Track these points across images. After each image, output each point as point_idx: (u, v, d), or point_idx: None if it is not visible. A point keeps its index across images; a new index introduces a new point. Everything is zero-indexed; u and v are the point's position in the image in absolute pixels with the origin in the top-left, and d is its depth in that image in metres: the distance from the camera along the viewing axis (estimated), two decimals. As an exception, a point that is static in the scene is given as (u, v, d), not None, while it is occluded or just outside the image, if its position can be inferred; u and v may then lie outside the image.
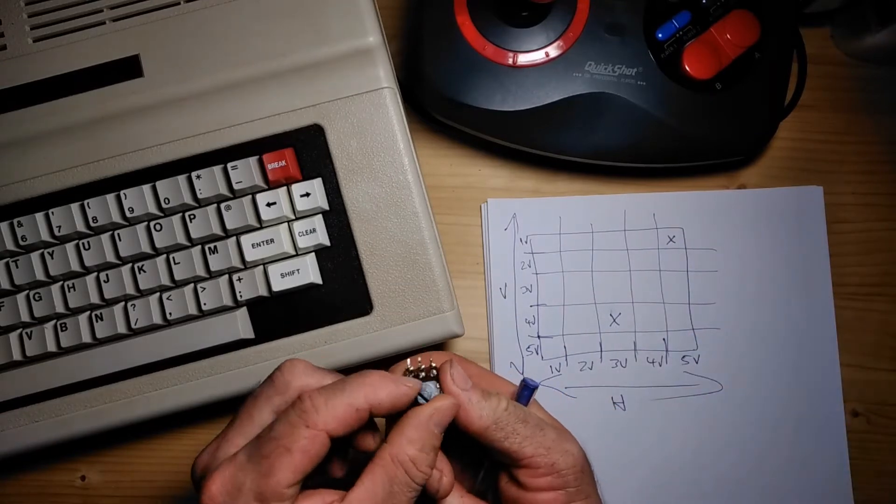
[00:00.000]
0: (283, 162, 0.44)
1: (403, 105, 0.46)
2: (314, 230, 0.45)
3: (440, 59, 0.49)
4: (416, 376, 0.34)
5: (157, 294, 0.45)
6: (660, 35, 0.49)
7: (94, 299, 0.45)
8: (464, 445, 0.35)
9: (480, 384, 0.36)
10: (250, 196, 0.45)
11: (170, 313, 0.44)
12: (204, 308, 0.44)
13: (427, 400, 0.34)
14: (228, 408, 0.52)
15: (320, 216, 0.45)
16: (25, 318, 0.45)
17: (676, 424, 0.51)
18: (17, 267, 0.45)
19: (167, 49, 0.46)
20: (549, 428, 0.34)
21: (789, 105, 0.54)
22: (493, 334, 0.52)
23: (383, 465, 0.31)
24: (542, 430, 0.34)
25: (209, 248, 0.45)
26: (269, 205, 0.45)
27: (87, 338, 0.44)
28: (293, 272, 0.44)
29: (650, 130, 0.49)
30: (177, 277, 0.44)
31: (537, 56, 0.49)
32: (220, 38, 0.45)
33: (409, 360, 0.36)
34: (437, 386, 0.35)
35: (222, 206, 0.45)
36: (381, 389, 0.32)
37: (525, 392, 0.36)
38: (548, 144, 0.51)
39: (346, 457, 0.35)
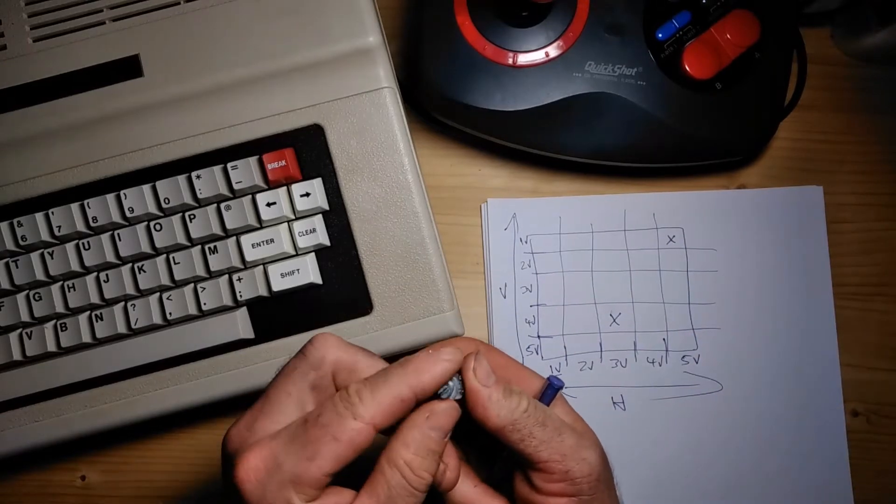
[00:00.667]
0: (283, 162, 0.44)
1: (403, 105, 0.46)
2: (314, 230, 0.45)
3: (440, 59, 0.49)
4: None
5: (157, 294, 0.45)
6: (660, 35, 0.49)
7: (94, 299, 0.45)
8: (483, 434, 0.34)
9: (506, 375, 0.35)
10: (250, 196, 0.45)
11: (170, 313, 0.44)
12: (204, 308, 0.44)
13: (447, 396, 0.33)
14: (229, 408, 0.52)
15: (320, 216, 0.45)
16: (25, 318, 0.45)
17: (676, 424, 0.51)
18: (17, 267, 0.45)
19: (167, 49, 0.46)
20: (569, 433, 0.33)
21: (789, 105, 0.54)
22: (493, 334, 0.52)
23: (381, 470, 0.31)
24: (561, 434, 0.33)
25: (209, 248, 0.45)
26: (269, 205, 0.45)
27: (87, 338, 0.44)
28: (293, 272, 0.44)
29: (650, 130, 0.49)
30: (177, 277, 0.44)
31: (537, 56, 0.49)
32: (220, 38, 0.45)
33: (430, 350, 0.35)
34: (460, 379, 0.34)
35: (222, 206, 0.45)
36: (424, 374, 0.31)
37: (549, 391, 0.35)
38: (547, 144, 0.51)
39: None
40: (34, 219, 0.45)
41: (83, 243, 0.45)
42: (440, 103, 0.50)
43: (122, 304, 0.45)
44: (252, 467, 0.30)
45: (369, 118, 0.45)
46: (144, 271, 0.45)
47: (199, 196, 0.44)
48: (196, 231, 0.45)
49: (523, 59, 0.49)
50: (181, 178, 0.45)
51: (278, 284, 0.44)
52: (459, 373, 0.33)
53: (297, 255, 0.45)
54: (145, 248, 0.45)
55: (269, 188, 0.45)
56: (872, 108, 0.55)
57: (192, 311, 0.44)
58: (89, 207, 0.45)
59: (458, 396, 0.33)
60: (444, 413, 0.32)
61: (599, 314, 0.53)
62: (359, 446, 0.30)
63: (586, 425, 0.36)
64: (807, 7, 0.54)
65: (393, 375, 0.31)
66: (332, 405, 0.31)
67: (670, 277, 0.53)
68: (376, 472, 0.31)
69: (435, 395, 0.33)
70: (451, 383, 0.33)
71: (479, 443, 0.37)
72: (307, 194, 0.45)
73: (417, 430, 0.31)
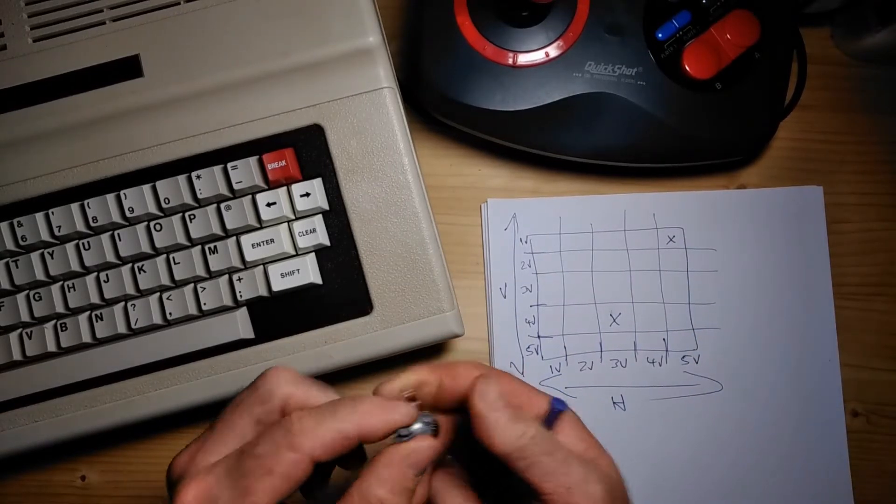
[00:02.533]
0: (283, 162, 0.44)
1: (403, 105, 0.46)
2: (314, 230, 0.45)
3: (440, 59, 0.49)
4: (413, 400, 0.33)
5: (157, 294, 0.45)
6: (660, 35, 0.49)
7: (94, 299, 0.45)
8: (489, 456, 0.32)
9: (514, 400, 0.34)
10: (250, 196, 0.45)
11: (170, 313, 0.44)
12: (204, 308, 0.44)
13: (408, 435, 0.32)
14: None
15: (320, 216, 0.45)
16: (25, 318, 0.45)
17: (676, 424, 0.51)
18: (17, 267, 0.45)
19: (167, 49, 0.46)
20: (577, 464, 0.32)
21: (789, 105, 0.54)
22: (493, 334, 0.52)
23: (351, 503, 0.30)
24: (568, 465, 0.31)
25: (209, 248, 0.45)
26: (269, 205, 0.45)
27: (87, 338, 0.44)
28: (293, 272, 0.44)
29: (650, 130, 0.49)
30: (177, 277, 0.44)
31: (537, 56, 0.49)
32: (220, 38, 0.45)
33: (412, 378, 0.33)
34: (428, 422, 0.32)
35: (222, 206, 0.45)
36: (374, 417, 0.30)
37: (552, 414, 0.34)
38: (548, 144, 0.51)
39: (326, 479, 0.34)
40: (34, 219, 0.45)
41: (83, 243, 0.45)
42: (440, 103, 0.50)
43: (122, 304, 0.45)
44: (189, 502, 0.29)
45: (369, 118, 0.45)
46: (144, 271, 0.45)
47: (199, 196, 0.44)
48: (196, 231, 0.45)
49: (523, 59, 0.49)
50: (181, 179, 0.45)
51: (278, 284, 0.44)
52: (429, 413, 0.33)
53: (297, 255, 0.45)
54: (145, 248, 0.45)
55: (269, 188, 0.45)
56: (872, 108, 0.55)
57: (193, 311, 0.44)
58: (89, 207, 0.45)
59: (430, 431, 0.32)
60: (426, 451, 0.31)
61: (599, 314, 0.53)
62: (296, 479, 0.29)
63: (600, 450, 0.34)
64: (807, 7, 0.54)
65: (341, 409, 0.30)
66: (269, 435, 0.30)
67: (670, 277, 0.53)
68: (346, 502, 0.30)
69: (396, 435, 0.31)
70: (416, 427, 0.32)
71: (484, 462, 0.35)
72: (307, 194, 0.45)
73: (396, 469, 0.30)
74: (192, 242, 0.45)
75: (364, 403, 0.31)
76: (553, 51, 0.49)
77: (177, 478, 0.30)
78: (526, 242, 0.53)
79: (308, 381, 0.32)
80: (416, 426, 0.32)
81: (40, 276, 0.45)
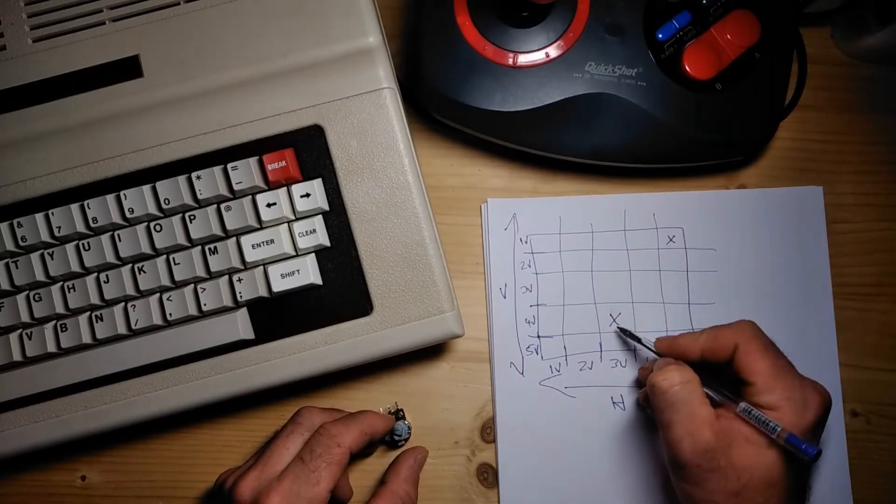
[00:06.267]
0: (284, 162, 0.44)
1: (403, 105, 0.46)
2: (314, 231, 0.45)
3: (440, 59, 0.49)
4: (394, 413, 0.51)
5: (157, 295, 0.45)
6: (660, 35, 0.49)
7: (94, 300, 0.45)
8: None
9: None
10: (250, 196, 0.45)
11: (170, 314, 0.44)
12: (204, 308, 0.44)
13: (399, 435, 0.50)
14: (229, 408, 0.52)
15: (320, 217, 0.45)
16: (25, 318, 0.45)
17: (676, 424, 0.51)
18: (17, 267, 0.45)
19: (167, 49, 0.46)
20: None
21: (789, 105, 0.54)
22: (493, 334, 0.52)
23: (389, 494, 0.45)
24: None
25: (209, 249, 0.45)
26: (269, 205, 0.45)
27: (87, 338, 0.44)
28: (293, 273, 0.44)
29: (650, 130, 0.49)
30: (177, 278, 0.44)
31: (537, 56, 0.49)
32: (220, 38, 0.45)
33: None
34: (407, 424, 0.50)
35: (222, 206, 0.45)
36: (377, 420, 0.46)
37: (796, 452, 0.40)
38: (548, 144, 0.51)
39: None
40: (34, 219, 0.45)
41: (83, 244, 0.45)
42: (440, 103, 0.50)
43: (123, 304, 0.45)
44: (277, 503, 0.39)
45: (369, 118, 0.45)
46: (144, 272, 0.45)
47: (200, 197, 0.44)
48: (196, 232, 0.45)
49: (523, 59, 0.49)
50: (181, 179, 0.45)
51: (278, 285, 0.44)
52: (405, 420, 0.50)
53: (297, 255, 0.45)
54: (145, 248, 0.45)
55: (270, 189, 0.45)
56: (872, 108, 0.55)
57: (193, 311, 0.44)
58: (89, 208, 0.45)
59: (408, 436, 0.50)
60: (424, 454, 0.50)
61: (599, 314, 0.53)
62: (344, 465, 0.42)
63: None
64: (807, 7, 0.54)
65: (357, 417, 0.45)
66: (318, 440, 0.42)
67: (670, 277, 0.53)
68: (385, 495, 0.45)
69: (391, 438, 0.50)
70: (401, 427, 0.50)
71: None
72: (307, 195, 0.45)
73: (413, 469, 0.48)
74: (193, 243, 0.45)
75: (367, 413, 0.46)
76: (553, 51, 0.49)
77: (252, 496, 0.40)
78: (526, 242, 0.53)
79: (328, 410, 0.46)
80: (400, 429, 0.50)
81: (40, 276, 0.45)
